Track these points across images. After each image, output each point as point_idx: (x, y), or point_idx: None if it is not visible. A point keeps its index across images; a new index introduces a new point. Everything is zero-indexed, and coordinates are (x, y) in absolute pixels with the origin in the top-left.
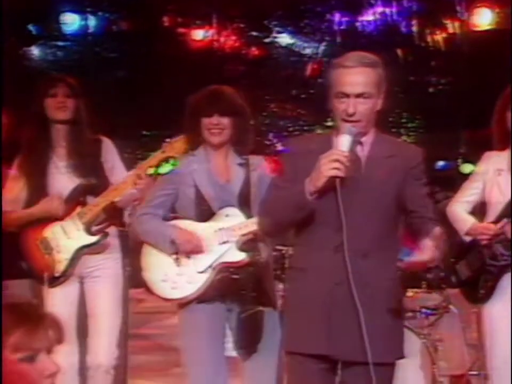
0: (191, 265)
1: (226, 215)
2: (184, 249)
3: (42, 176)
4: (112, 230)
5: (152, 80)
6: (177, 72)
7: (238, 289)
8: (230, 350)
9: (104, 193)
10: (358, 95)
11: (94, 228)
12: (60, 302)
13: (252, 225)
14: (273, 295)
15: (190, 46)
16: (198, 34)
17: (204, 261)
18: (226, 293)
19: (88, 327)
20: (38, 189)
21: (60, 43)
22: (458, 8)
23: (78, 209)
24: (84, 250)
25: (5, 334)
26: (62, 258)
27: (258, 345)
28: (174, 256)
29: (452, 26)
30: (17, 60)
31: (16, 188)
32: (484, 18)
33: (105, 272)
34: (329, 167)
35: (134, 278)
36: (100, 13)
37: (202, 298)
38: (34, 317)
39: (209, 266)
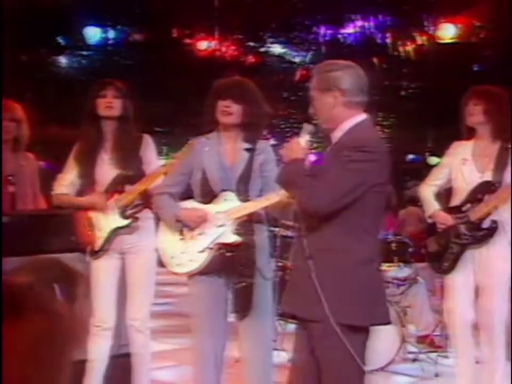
0: (192, 245)
1: (225, 199)
2: (189, 227)
3: (91, 166)
4: (148, 213)
5: (162, 83)
6: (184, 77)
7: (233, 265)
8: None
9: (139, 182)
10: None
11: (128, 212)
12: (102, 272)
13: (246, 209)
14: (266, 269)
15: (195, 54)
16: (202, 44)
17: (203, 242)
18: (222, 268)
19: (127, 293)
20: (87, 177)
21: (84, 52)
22: (426, 23)
23: (116, 196)
24: (118, 230)
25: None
26: (100, 236)
27: (250, 311)
28: (180, 236)
29: (421, 39)
30: (45, 66)
31: (71, 175)
32: (447, 32)
33: (142, 249)
34: None
35: None
36: (118, 27)
37: (203, 272)
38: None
39: (207, 247)
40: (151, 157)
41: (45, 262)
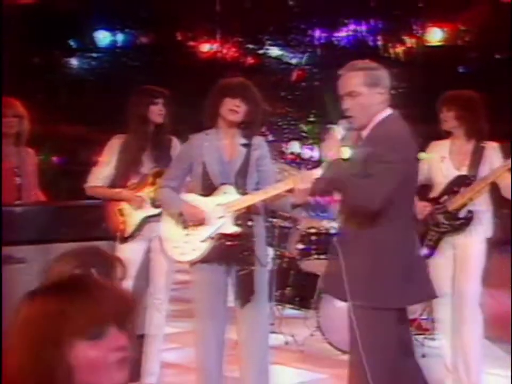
0: (195, 235)
1: (225, 192)
2: (190, 220)
3: (135, 164)
4: None
5: (167, 83)
6: (187, 77)
7: (232, 254)
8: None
9: None
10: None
11: (157, 202)
12: (129, 254)
13: (244, 202)
14: (264, 257)
15: (198, 56)
16: (205, 47)
17: (205, 232)
18: (222, 257)
19: (151, 276)
20: (127, 172)
21: (94, 54)
22: (414, 27)
23: (150, 187)
24: (148, 219)
25: (68, 319)
26: (132, 223)
27: (251, 297)
28: (182, 227)
29: (410, 42)
30: (57, 68)
31: (107, 168)
32: (435, 36)
33: None
34: None
35: None
36: (126, 30)
37: (204, 260)
38: (99, 286)
39: (209, 237)
40: None
41: (85, 249)
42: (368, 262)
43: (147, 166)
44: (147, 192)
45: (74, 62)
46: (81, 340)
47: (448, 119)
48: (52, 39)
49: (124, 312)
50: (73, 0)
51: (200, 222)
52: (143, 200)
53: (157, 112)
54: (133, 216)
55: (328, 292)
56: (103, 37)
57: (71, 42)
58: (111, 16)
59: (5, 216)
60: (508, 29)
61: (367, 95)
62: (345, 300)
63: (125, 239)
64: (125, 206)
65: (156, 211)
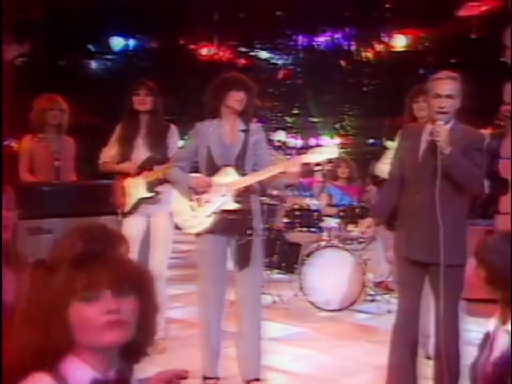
0: (201, 211)
1: (226, 174)
2: (198, 192)
3: (129, 149)
4: (167, 187)
5: (172, 81)
6: (189, 76)
7: (233, 226)
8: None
9: (164, 164)
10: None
11: (152, 187)
12: (130, 229)
13: (243, 182)
14: (259, 229)
15: (198, 58)
16: (204, 50)
17: (209, 208)
18: (225, 229)
19: (151, 247)
20: (125, 156)
21: (109, 57)
22: (382, 34)
23: (145, 172)
24: (142, 200)
25: (68, 284)
26: (130, 202)
27: (249, 262)
28: (191, 204)
29: (378, 47)
30: (79, 69)
31: (112, 152)
32: (399, 42)
33: (162, 213)
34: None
35: None
36: (136, 37)
37: (209, 232)
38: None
39: (213, 212)
40: (175, 144)
41: (92, 225)
42: (459, 228)
43: (143, 153)
44: (145, 177)
45: (92, 64)
46: (78, 302)
47: (426, 108)
48: (74, 44)
49: (119, 280)
50: (92, 12)
51: (207, 188)
52: (135, 186)
53: (138, 101)
54: (131, 197)
55: (417, 256)
56: (117, 43)
57: (91, 47)
58: (124, 25)
59: (44, 193)
60: (461, 38)
61: (457, 98)
62: (434, 262)
63: (124, 214)
64: (126, 186)
65: (149, 194)
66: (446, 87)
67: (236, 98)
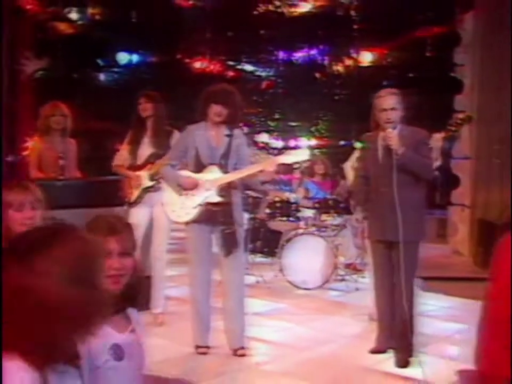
0: (188, 203)
1: (211, 171)
2: (186, 187)
3: (136, 146)
4: None
5: (169, 91)
6: (184, 86)
7: (216, 217)
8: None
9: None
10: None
11: (155, 178)
12: (136, 217)
13: (226, 178)
14: (240, 219)
15: (192, 71)
16: (197, 64)
17: (196, 201)
18: (209, 219)
19: (153, 233)
20: (134, 154)
21: (116, 70)
22: (351, 51)
23: (149, 166)
24: (147, 189)
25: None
26: (135, 193)
27: (232, 248)
28: (179, 196)
29: (348, 61)
30: (90, 80)
31: (124, 153)
32: (366, 58)
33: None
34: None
35: None
36: (139, 52)
37: (195, 221)
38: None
39: (199, 204)
40: None
41: (107, 216)
42: (417, 211)
43: (148, 150)
44: (149, 169)
45: (101, 76)
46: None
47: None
48: (86, 60)
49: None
50: (101, 31)
51: (193, 187)
52: (140, 178)
53: (141, 109)
54: (137, 188)
55: (385, 236)
56: (122, 57)
57: (100, 62)
58: (129, 42)
59: (50, 188)
60: (419, 55)
61: (399, 111)
62: (396, 240)
63: (130, 204)
64: (133, 180)
65: (151, 183)
66: (389, 102)
67: (215, 111)
